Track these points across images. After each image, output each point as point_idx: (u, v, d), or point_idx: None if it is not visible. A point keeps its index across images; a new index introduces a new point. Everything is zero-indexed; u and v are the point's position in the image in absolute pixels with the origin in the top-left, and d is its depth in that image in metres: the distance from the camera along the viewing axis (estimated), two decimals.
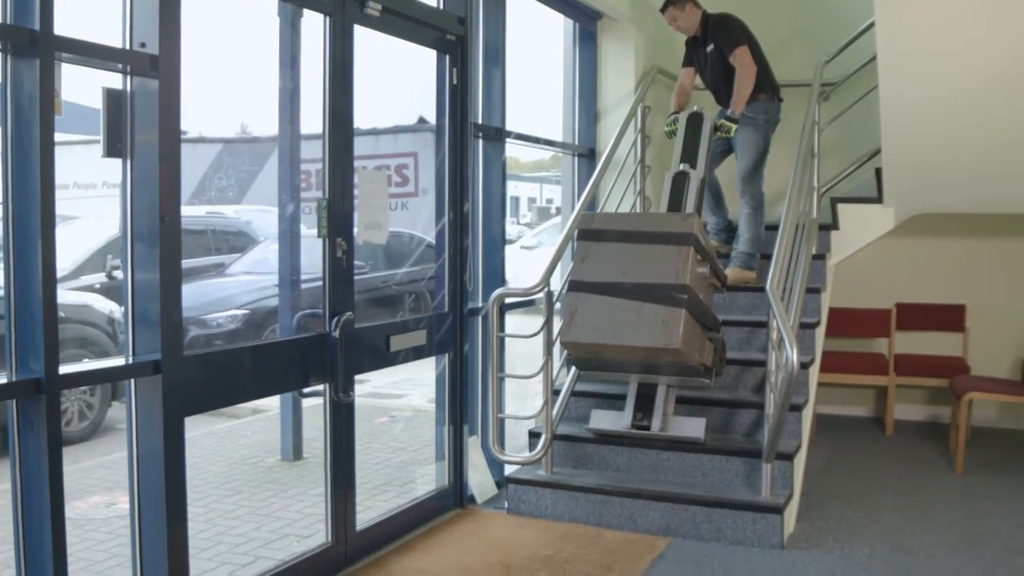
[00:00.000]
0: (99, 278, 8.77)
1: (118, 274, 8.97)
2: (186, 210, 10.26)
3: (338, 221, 4.11)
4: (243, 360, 3.72)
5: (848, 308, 7.21)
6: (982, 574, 4.28)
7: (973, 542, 4.69)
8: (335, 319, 4.07)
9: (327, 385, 4.12)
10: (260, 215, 9.86)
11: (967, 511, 5.18)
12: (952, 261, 7.34)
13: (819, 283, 5.91)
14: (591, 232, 4.85)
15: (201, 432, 7.29)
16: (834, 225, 6.34)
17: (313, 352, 4.05)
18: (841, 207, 6.37)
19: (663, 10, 6.01)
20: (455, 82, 4.96)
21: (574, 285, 4.76)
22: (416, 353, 4.78)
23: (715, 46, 5.89)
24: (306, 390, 4.17)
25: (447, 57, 4.93)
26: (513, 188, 24.71)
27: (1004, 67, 4.80)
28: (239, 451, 6.86)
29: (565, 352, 5.60)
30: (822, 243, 6.21)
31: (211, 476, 6.17)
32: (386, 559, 4.44)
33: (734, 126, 5.76)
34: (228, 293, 9.02)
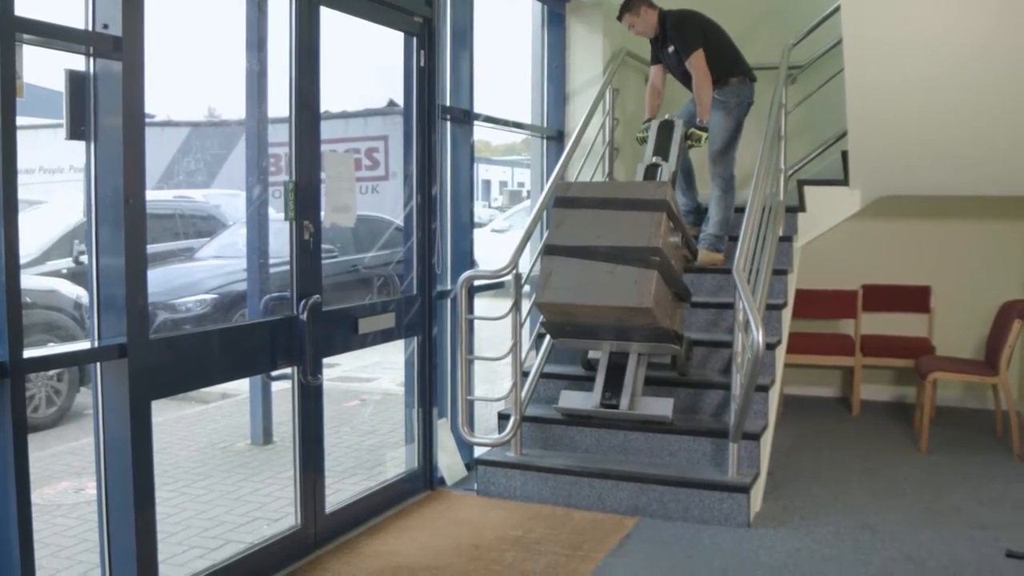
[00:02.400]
0: (66, 263, 8.70)
1: (85, 259, 8.89)
2: (154, 194, 10.20)
3: (305, 204, 4.11)
4: (210, 343, 3.71)
5: (815, 289, 7.27)
6: (943, 550, 4.35)
7: (936, 519, 4.76)
8: (303, 302, 4.07)
9: (295, 368, 4.12)
10: (229, 199, 9.80)
11: (931, 489, 5.26)
12: (918, 243, 7.41)
13: (786, 265, 5.96)
14: (567, 200, 4.94)
15: (170, 417, 7.26)
16: (801, 207, 6.39)
17: (281, 335, 4.04)
18: (808, 189, 6.42)
19: (619, 18, 6.00)
20: (422, 64, 4.96)
21: (549, 249, 4.83)
22: (385, 336, 4.78)
23: (674, 48, 5.90)
24: (274, 373, 4.17)
25: (414, 39, 4.92)
26: (484, 171, 24.69)
27: (969, 52, 4.85)
28: (209, 436, 6.84)
29: (535, 332, 5.65)
30: (789, 225, 6.26)
31: (181, 460, 6.16)
32: (356, 541, 4.45)
33: (704, 134, 5.79)
34: (197, 277, 8.97)
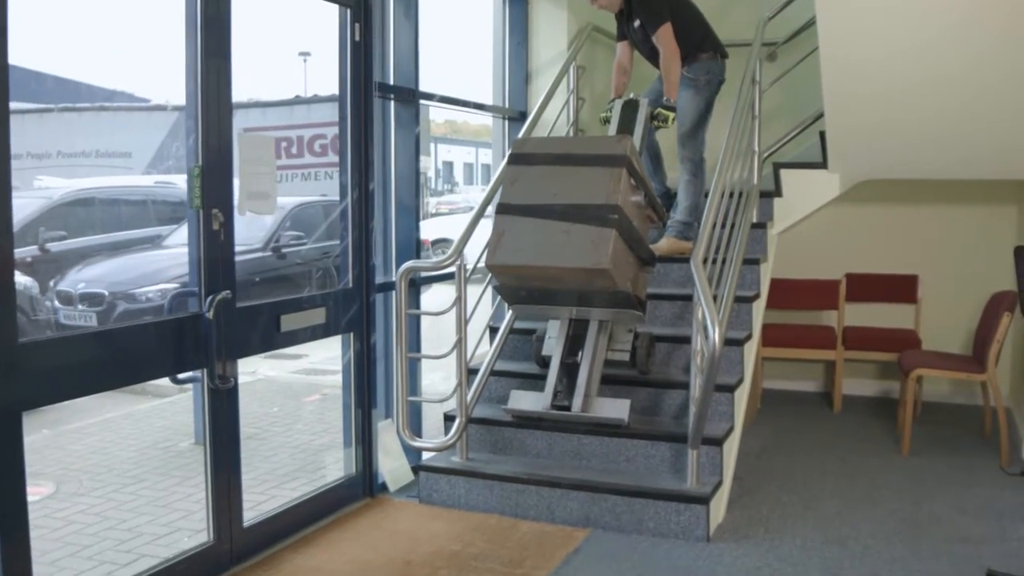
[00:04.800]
0: (32, 251, 8.38)
1: (52, 247, 8.56)
2: (129, 179, 9.76)
3: (214, 191, 3.72)
4: (95, 346, 3.34)
5: (795, 279, 6.90)
6: (918, 568, 3.98)
7: (913, 531, 4.39)
8: (209, 298, 3.69)
9: (203, 371, 3.75)
10: None
11: (910, 496, 4.89)
12: (905, 230, 7.02)
13: (759, 254, 5.58)
14: (521, 156, 4.59)
15: (119, 413, 6.93)
16: (777, 192, 6.00)
17: (186, 335, 3.67)
18: (784, 173, 6.02)
19: None
20: (357, 39, 4.56)
21: (502, 208, 4.48)
22: (314, 333, 4.41)
23: (640, 22, 5.49)
24: (181, 376, 3.79)
25: (348, 11, 4.53)
26: (446, 152, 24.26)
27: (951, 21, 4.44)
28: (154, 434, 6.49)
29: (486, 325, 5.28)
30: (764, 211, 5.88)
31: (117, 463, 5.81)
32: (278, 556, 4.09)
33: (672, 114, 5.40)
34: (160, 266, 8.63)
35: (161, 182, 9.60)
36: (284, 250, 9.31)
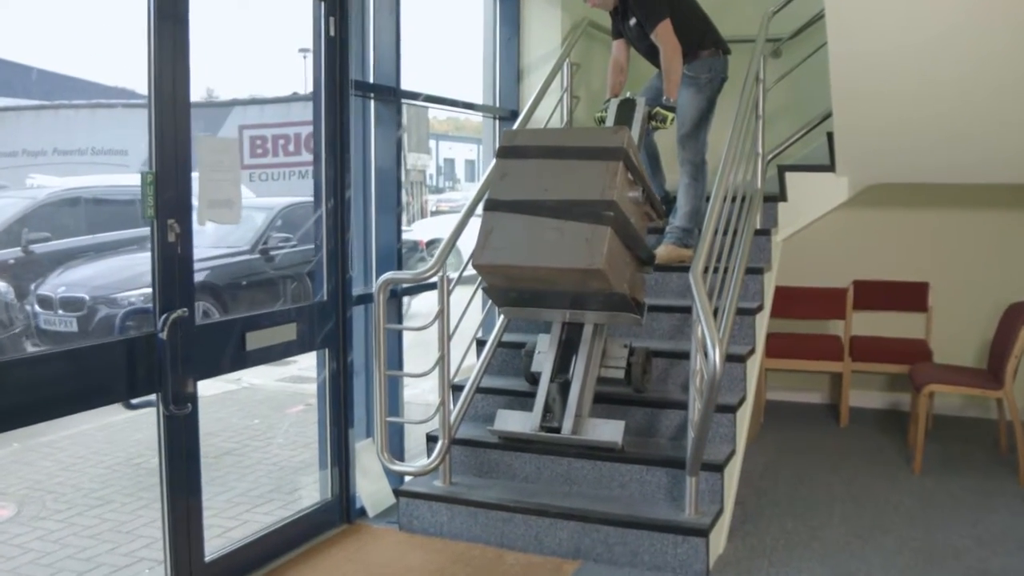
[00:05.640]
0: (14, 253, 8.11)
1: (35, 248, 8.27)
2: (116, 178, 9.44)
3: (170, 199, 3.42)
4: (34, 372, 3.03)
5: (800, 287, 6.59)
6: None
7: (927, 564, 4.08)
8: (164, 317, 3.39)
9: (157, 395, 3.45)
10: None
11: (924, 523, 4.58)
12: (915, 235, 6.71)
13: (762, 262, 5.26)
14: (511, 149, 4.30)
15: (95, 425, 6.62)
16: (782, 196, 5.68)
17: (139, 357, 3.37)
18: (789, 176, 5.70)
19: None
20: (332, 34, 4.25)
21: (490, 204, 4.19)
22: (287, 350, 4.11)
23: (636, 20, 5.18)
24: (134, 401, 3.49)
25: (322, 4, 4.22)
26: (448, 149, 23.93)
27: (968, 13, 4.13)
28: (127, 449, 6.19)
29: (472, 337, 4.98)
30: (768, 216, 5.56)
31: (84, 480, 5.52)
32: None
33: (670, 115, 5.08)
34: (145, 269, 8.33)
35: None
36: (272, 252, 9.02)
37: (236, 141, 3.94)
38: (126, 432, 6.63)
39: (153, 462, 5.73)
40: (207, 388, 7.33)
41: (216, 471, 5.71)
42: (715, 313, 4.09)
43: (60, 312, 7.78)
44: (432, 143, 24.65)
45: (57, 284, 7.90)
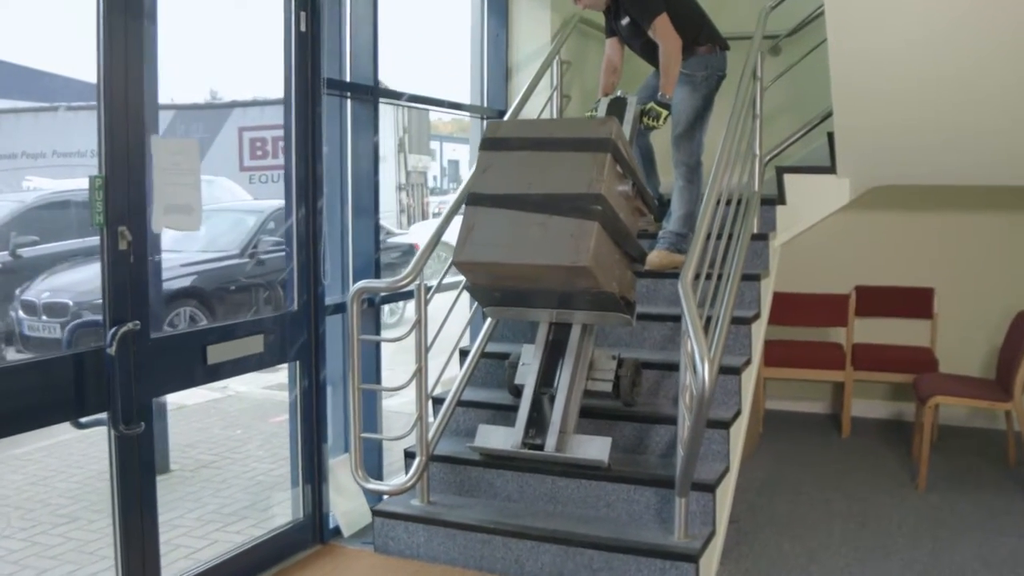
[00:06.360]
0: (2, 257, 7.95)
1: (23, 252, 8.08)
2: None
3: (121, 205, 3.20)
4: None
5: (800, 293, 6.37)
6: None
7: None
8: (113, 330, 3.17)
9: (108, 414, 3.23)
10: (205, 185, 9.02)
11: (928, 543, 4.35)
12: (919, 239, 6.49)
13: (760, 268, 5.03)
14: (495, 140, 4.10)
15: (72, 436, 6.41)
16: (780, 199, 5.45)
17: (89, 373, 3.15)
18: (788, 178, 5.46)
19: None
20: (303, 29, 4.04)
21: (472, 199, 3.99)
22: (256, 363, 3.90)
23: (630, 19, 4.96)
24: (83, 420, 3.27)
25: None
26: (451, 151, 23.68)
27: (973, 8, 3.91)
28: (101, 461, 5.93)
29: (454, 347, 4.77)
30: (766, 220, 5.34)
31: (54, 496, 5.32)
32: None
33: (664, 112, 4.87)
34: None
35: None
36: (263, 256, 8.82)
37: (195, 142, 3.70)
38: (104, 442, 6.41)
39: None
40: (190, 397, 7.16)
41: (191, 486, 5.50)
42: (708, 323, 3.87)
43: (44, 318, 7.60)
44: (436, 145, 24.41)
45: (42, 289, 7.72)
